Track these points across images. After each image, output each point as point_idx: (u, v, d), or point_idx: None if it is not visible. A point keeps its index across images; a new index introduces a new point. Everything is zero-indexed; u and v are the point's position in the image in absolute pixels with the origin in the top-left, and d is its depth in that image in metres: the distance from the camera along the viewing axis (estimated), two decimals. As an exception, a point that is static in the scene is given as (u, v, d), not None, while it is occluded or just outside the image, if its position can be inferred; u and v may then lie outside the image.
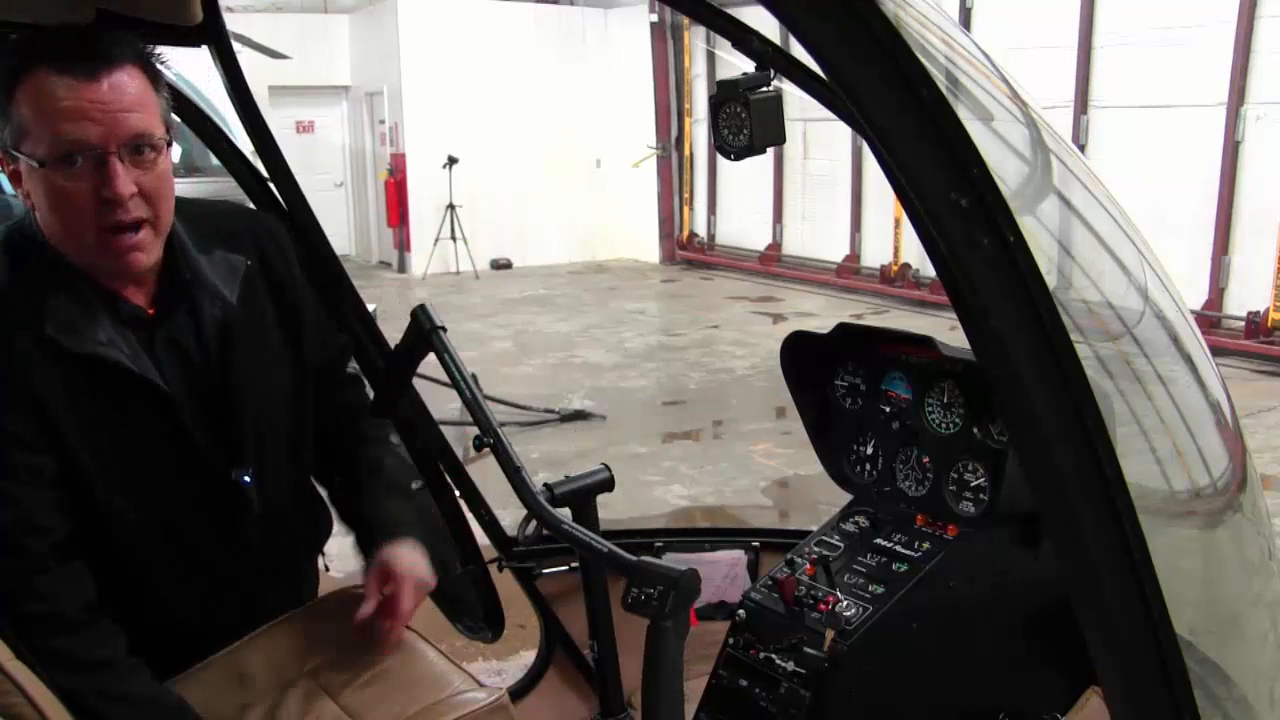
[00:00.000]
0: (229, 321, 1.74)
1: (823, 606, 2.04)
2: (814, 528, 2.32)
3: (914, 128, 0.74)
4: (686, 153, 15.57)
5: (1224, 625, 1.21)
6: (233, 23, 2.18)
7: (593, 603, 2.02)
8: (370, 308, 2.34)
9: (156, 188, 1.60)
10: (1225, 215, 9.62)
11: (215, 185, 5.98)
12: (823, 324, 2.43)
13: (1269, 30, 9.15)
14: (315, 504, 2.04)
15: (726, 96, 1.57)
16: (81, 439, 1.60)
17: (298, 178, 2.18)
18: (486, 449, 1.73)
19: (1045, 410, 0.78)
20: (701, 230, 15.72)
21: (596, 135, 15.79)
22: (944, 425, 2.19)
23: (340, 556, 2.17)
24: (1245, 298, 9.48)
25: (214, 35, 1.95)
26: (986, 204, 0.75)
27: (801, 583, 2.10)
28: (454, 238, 14.41)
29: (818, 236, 13.76)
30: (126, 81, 1.56)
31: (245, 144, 2.26)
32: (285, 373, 1.85)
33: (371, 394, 2.08)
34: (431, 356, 1.82)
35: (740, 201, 14.91)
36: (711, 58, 14.30)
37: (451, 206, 14.27)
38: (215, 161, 2.35)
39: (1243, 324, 9.38)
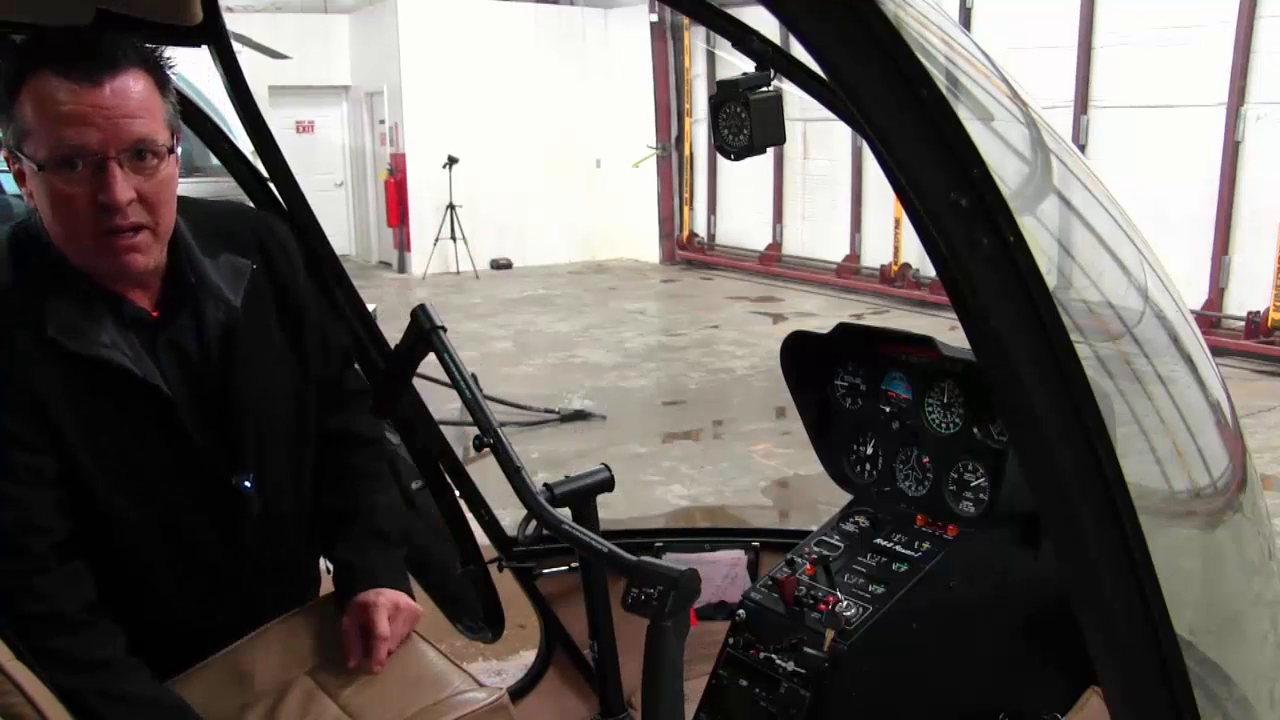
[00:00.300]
0: (232, 325, 1.74)
1: (823, 606, 2.04)
2: (814, 528, 2.32)
3: (914, 128, 0.74)
4: (686, 153, 15.57)
5: (1224, 625, 1.20)
6: (233, 23, 2.18)
7: (593, 603, 2.02)
8: (370, 308, 2.34)
9: (157, 194, 1.59)
10: (1225, 215, 9.62)
11: (215, 185, 5.99)
12: (823, 324, 2.43)
13: (1269, 30, 9.15)
14: (316, 506, 2.04)
15: (726, 96, 1.57)
16: (82, 440, 1.60)
17: (298, 178, 2.18)
18: (486, 449, 1.73)
19: (1045, 410, 0.78)
20: (701, 230, 15.72)
21: (596, 135, 15.79)
22: (944, 425, 2.19)
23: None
24: (1245, 298, 9.48)
25: (214, 35, 1.95)
26: (986, 204, 0.75)
27: (801, 583, 2.10)
28: (454, 238, 14.41)
29: (818, 236, 13.76)
30: (130, 86, 1.55)
31: (245, 144, 2.26)
32: (287, 376, 1.84)
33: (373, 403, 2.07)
34: (431, 356, 1.82)
35: (740, 201, 14.91)
36: (711, 58, 14.31)
37: (451, 206, 14.27)
38: (215, 161, 2.35)
39: (1243, 324, 9.38)
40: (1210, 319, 9.55)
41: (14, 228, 1.68)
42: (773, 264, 14.24)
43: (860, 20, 0.72)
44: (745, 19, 1.68)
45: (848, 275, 13.18)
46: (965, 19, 11.17)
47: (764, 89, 1.56)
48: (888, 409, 2.29)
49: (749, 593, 2.20)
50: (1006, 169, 0.97)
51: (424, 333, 1.79)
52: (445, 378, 1.80)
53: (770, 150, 1.70)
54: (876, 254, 12.85)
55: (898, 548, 2.13)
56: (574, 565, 2.33)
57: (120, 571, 1.68)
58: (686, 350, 10.26)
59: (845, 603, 2.04)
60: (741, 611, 2.17)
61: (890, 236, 12.43)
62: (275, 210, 2.16)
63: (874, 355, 2.32)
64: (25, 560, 1.56)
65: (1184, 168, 9.64)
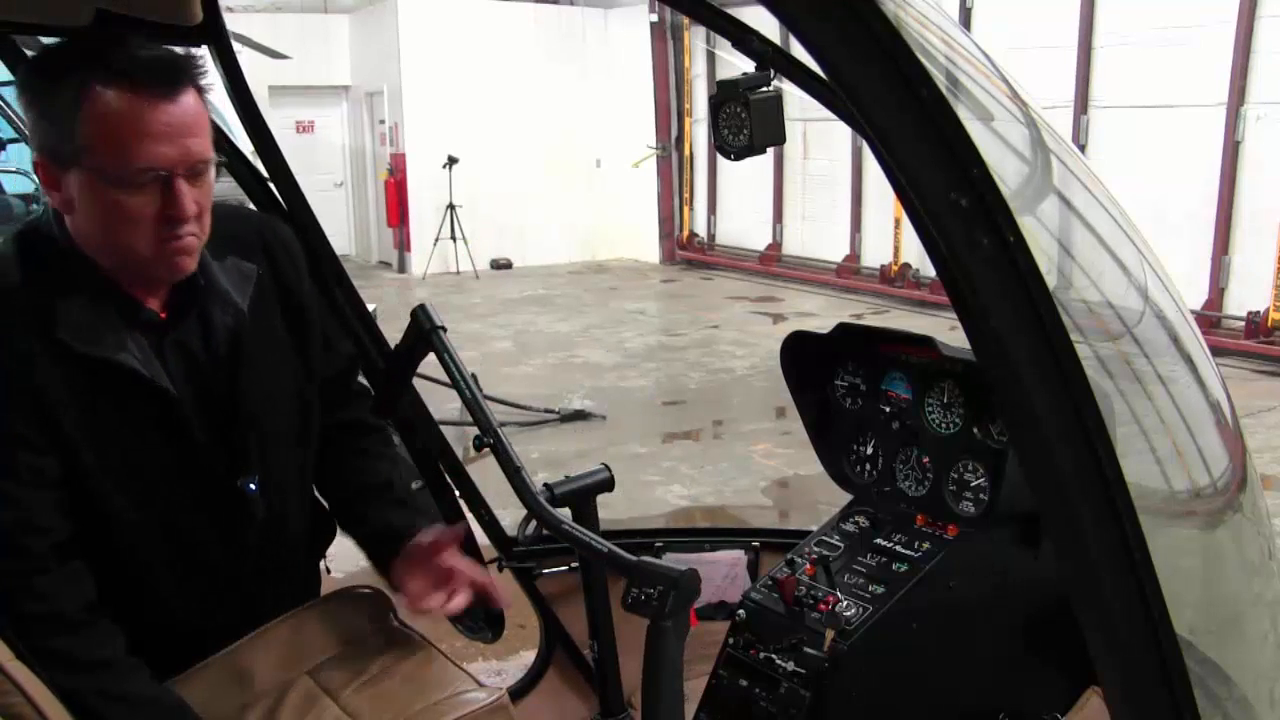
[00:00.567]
0: (239, 328, 1.74)
1: (823, 606, 2.04)
2: (814, 528, 2.32)
3: (914, 128, 0.74)
4: (686, 153, 15.57)
5: (1224, 625, 1.21)
6: (233, 23, 2.18)
7: (593, 603, 2.02)
8: (370, 308, 2.34)
9: (205, 202, 1.63)
10: (1225, 215, 9.62)
11: (215, 185, 5.98)
12: (823, 324, 2.43)
13: (1269, 30, 9.15)
14: (317, 508, 2.04)
15: (726, 96, 1.57)
16: (86, 440, 1.60)
17: (298, 178, 2.18)
18: (486, 449, 1.73)
19: (1045, 410, 0.78)
20: (701, 230, 15.72)
21: (596, 135, 15.79)
22: (944, 425, 2.20)
23: (340, 557, 2.17)
24: (1245, 298, 9.48)
25: (214, 35, 1.95)
26: (986, 204, 0.75)
27: (801, 583, 2.10)
28: (454, 238, 14.41)
29: (818, 236, 13.76)
30: (191, 103, 1.58)
31: (245, 144, 2.26)
32: (292, 380, 1.85)
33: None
34: (431, 356, 1.82)
35: (740, 201, 14.91)
36: (711, 58, 14.31)
37: (451, 206, 14.27)
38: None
39: (1243, 324, 9.38)
40: (1210, 319, 9.56)
41: (24, 228, 1.68)
42: (773, 264, 14.24)
43: (860, 20, 0.72)
44: (745, 19, 1.68)
45: (848, 275, 13.18)
46: (965, 19, 11.18)
47: (764, 89, 1.57)
48: (888, 409, 2.29)
49: (749, 593, 2.20)
50: (1006, 169, 0.97)
51: (424, 333, 1.79)
52: (445, 378, 1.80)
53: (770, 150, 1.70)
54: (876, 254, 12.85)
55: (898, 548, 2.13)
56: (574, 565, 2.33)
57: (121, 572, 1.68)
58: (686, 350, 10.26)
59: (845, 603, 2.04)
60: (741, 611, 2.17)
61: (890, 236, 12.43)
62: (275, 210, 2.16)
63: (874, 355, 2.32)
64: (26, 560, 1.56)
65: (1184, 168, 9.64)
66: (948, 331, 1.85)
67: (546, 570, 2.56)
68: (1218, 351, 7.78)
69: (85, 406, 1.59)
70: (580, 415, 7.78)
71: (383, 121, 15.51)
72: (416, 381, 2.01)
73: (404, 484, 2.07)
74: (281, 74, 12.96)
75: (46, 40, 1.82)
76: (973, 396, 2.14)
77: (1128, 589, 0.80)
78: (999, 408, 1.83)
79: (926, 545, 2.10)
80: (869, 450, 2.34)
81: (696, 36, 14.59)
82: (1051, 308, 0.77)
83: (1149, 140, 9.76)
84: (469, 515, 2.51)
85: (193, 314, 1.72)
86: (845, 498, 2.37)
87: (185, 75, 1.58)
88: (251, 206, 2.20)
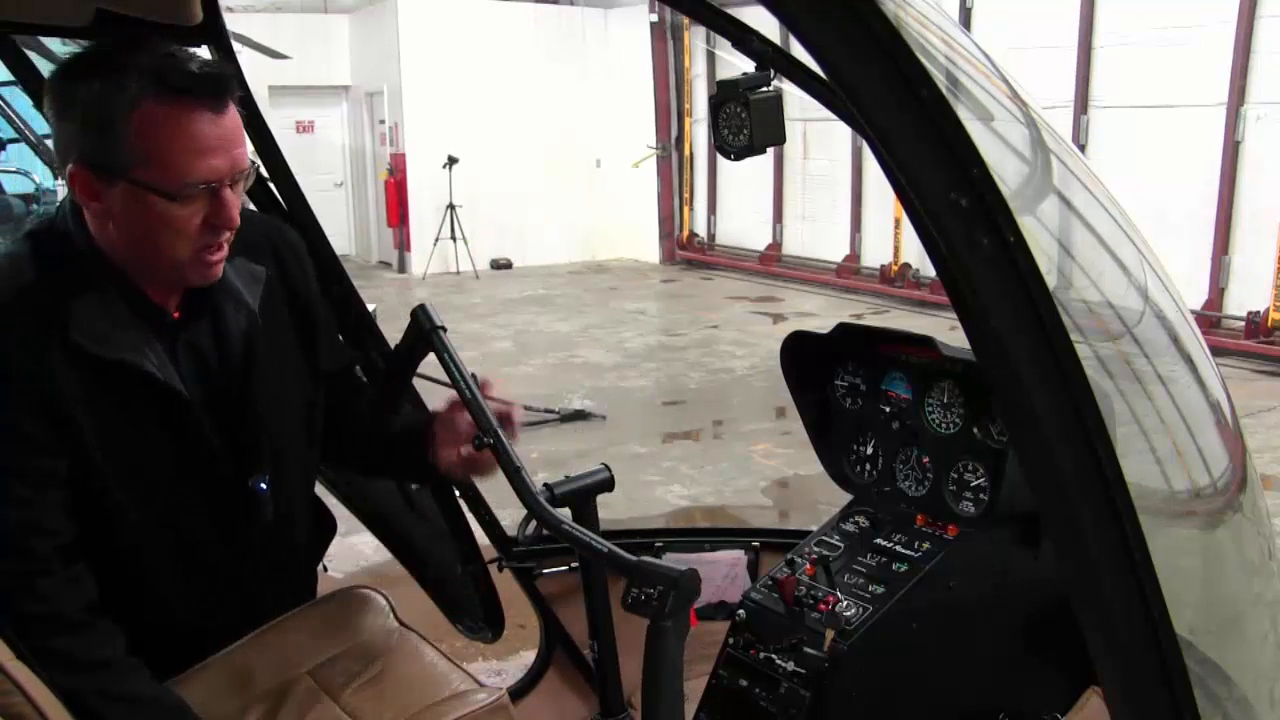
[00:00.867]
0: (251, 330, 1.75)
1: (823, 606, 2.05)
2: (814, 528, 2.32)
3: (914, 128, 0.74)
4: (686, 153, 15.57)
5: (1224, 625, 1.21)
6: (233, 23, 2.18)
7: (593, 603, 2.02)
8: (370, 308, 2.34)
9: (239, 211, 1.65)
10: (1225, 215, 9.62)
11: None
12: (823, 324, 2.43)
13: (1269, 30, 9.15)
14: (319, 508, 2.05)
15: (726, 96, 1.57)
16: (97, 442, 1.60)
17: (298, 178, 2.18)
18: (486, 449, 1.73)
19: (1045, 410, 0.78)
20: (701, 230, 15.72)
21: (596, 135, 15.79)
22: (944, 425, 2.20)
23: (340, 557, 2.18)
24: (1245, 298, 9.48)
25: (214, 35, 1.95)
26: (986, 204, 0.75)
27: (801, 583, 2.10)
28: (454, 238, 14.41)
29: (818, 236, 13.76)
30: (236, 115, 1.60)
31: (248, 149, 2.25)
32: (301, 380, 1.86)
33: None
34: (431, 356, 1.82)
35: (740, 201, 14.91)
36: (711, 58, 14.30)
37: (451, 206, 14.27)
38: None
39: (1243, 324, 9.38)
40: (1210, 319, 9.55)
41: (37, 228, 1.68)
42: (773, 264, 14.24)
43: (860, 20, 0.72)
44: (745, 19, 1.68)
45: (848, 275, 13.18)
46: (965, 19, 11.17)
47: (764, 89, 1.57)
48: (888, 409, 2.29)
49: (749, 593, 2.20)
50: (1006, 169, 0.97)
51: (424, 333, 1.79)
52: (445, 378, 1.80)
53: (770, 150, 1.70)
54: (876, 254, 12.85)
55: (898, 548, 2.13)
56: (574, 565, 2.33)
57: (125, 572, 1.68)
58: (686, 350, 10.26)
59: (845, 603, 2.05)
60: (741, 611, 2.17)
61: (890, 236, 12.43)
62: (275, 210, 2.16)
63: (874, 355, 2.32)
64: (30, 562, 1.56)
65: (1184, 168, 9.64)
66: (948, 331, 1.85)
67: (546, 570, 2.56)
68: (1218, 351, 7.78)
69: (97, 408, 1.59)
70: (580, 415, 7.78)
71: (383, 121, 15.51)
72: (416, 381, 2.01)
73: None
74: (281, 74, 12.94)
75: (49, 42, 1.81)
76: (973, 396, 2.14)
77: (1128, 589, 0.80)
78: (999, 408, 1.83)
79: (926, 545, 2.10)
80: (869, 450, 2.34)
81: (696, 36, 14.58)
82: (1051, 308, 0.77)
83: (1149, 140, 9.76)
84: (469, 515, 2.52)
85: (205, 314, 1.72)
86: (845, 498, 2.37)
87: (232, 87, 1.59)
88: (252, 207, 2.20)
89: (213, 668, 1.79)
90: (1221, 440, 1.33)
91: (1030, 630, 2.09)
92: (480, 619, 2.61)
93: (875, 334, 2.35)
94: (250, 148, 1.68)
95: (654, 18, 14.94)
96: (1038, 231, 0.91)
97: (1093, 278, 1.14)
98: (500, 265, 15.44)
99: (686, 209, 15.75)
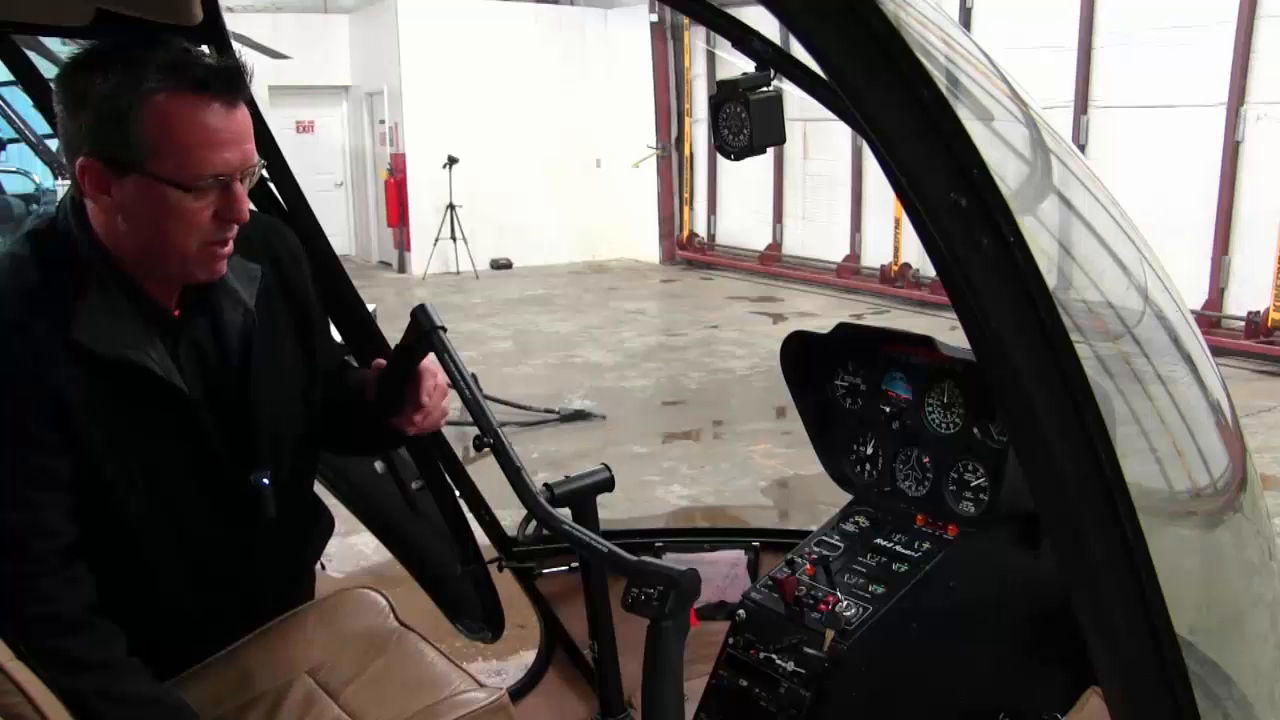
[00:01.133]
0: (249, 328, 1.75)
1: (823, 606, 2.05)
2: (814, 528, 2.32)
3: (914, 128, 0.74)
4: (686, 153, 15.57)
5: (1224, 625, 1.21)
6: (233, 23, 2.18)
7: (593, 603, 2.02)
8: (370, 308, 2.34)
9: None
10: (1225, 215, 9.62)
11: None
12: (823, 324, 2.43)
13: (1269, 30, 9.15)
14: (318, 505, 2.05)
15: (726, 96, 1.57)
16: (100, 441, 1.60)
17: (298, 178, 2.18)
18: (486, 449, 1.74)
19: (1045, 410, 0.78)
20: (701, 230, 15.72)
21: (596, 135, 15.79)
22: (944, 425, 2.20)
23: (340, 557, 2.18)
24: (1245, 298, 9.48)
25: (214, 35, 1.95)
26: (986, 204, 0.75)
27: (801, 583, 2.10)
28: (454, 238, 14.41)
29: (818, 236, 13.76)
30: (246, 111, 1.61)
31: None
32: (299, 377, 1.86)
33: None
34: (431, 355, 1.82)
35: (740, 201, 14.90)
36: (711, 58, 14.30)
37: (451, 206, 14.27)
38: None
39: (1243, 324, 9.38)
40: (1210, 319, 9.55)
41: (38, 228, 1.68)
42: (773, 264, 14.24)
43: (860, 20, 0.72)
44: (745, 19, 1.68)
45: (848, 275, 13.18)
46: (965, 19, 11.17)
47: (764, 89, 1.57)
48: (888, 409, 2.29)
49: (749, 593, 2.20)
50: (1006, 169, 0.97)
51: (424, 333, 1.79)
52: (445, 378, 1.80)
53: (770, 150, 1.70)
54: (876, 254, 12.85)
55: (898, 548, 2.13)
56: (574, 565, 2.33)
57: (126, 572, 1.68)
58: (686, 350, 10.26)
59: (845, 603, 2.05)
60: (741, 611, 2.17)
61: (890, 236, 12.43)
62: (275, 210, 2.16)
63: (874, 355, 2.32)
64: (31, 562, 1.56)
65: (1184, 168, 9.64)
66: (948, 331, 1.85)
67: (546, 570, 2.56)
68: (1218, 351, 7.77)
69: (100, 406, 1.59)
70: (580, 415, 7.78)
71: (383, 121, 15.51)
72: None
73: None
74: (281, 74, 12.94)
75: (51, 42, 1.81)
76: (973, 396, 2.14)
77: (1128, 589, 0.80)
78: (999, 408, 1.83)
79: (927, 545, 2.10)
80: (869, 450, 2.34)
81: (696, 36, 14.58)
82: (1051, 308, 0.77)
83: (1149, 140, 9.76)
84: (469, 515, 2.52)
85: (204, 313, 1.72)
86: (845, 498, 2.37)
87: (246, 83, 1.61)
88: (251, 206, 2.20)
89: (213, 668, 1.79)
90: (1221, 440, 1.33)
91: (1030, 630, 2.09)
92: (480, 619, 2.61)
93: (875, 334, 2.35)
94: None
95: (654, 18, 14.94)
96: (1038, 231, 0.91)
97: (1093, 278, 1.14)
98: (500, 265, 15.44)
99: (686, 209, 15.75)
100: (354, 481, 2.61)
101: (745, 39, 1.63)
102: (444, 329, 1.80)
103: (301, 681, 1.82)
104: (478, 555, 2.52)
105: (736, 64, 1.68)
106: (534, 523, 1.78)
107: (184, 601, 1.75)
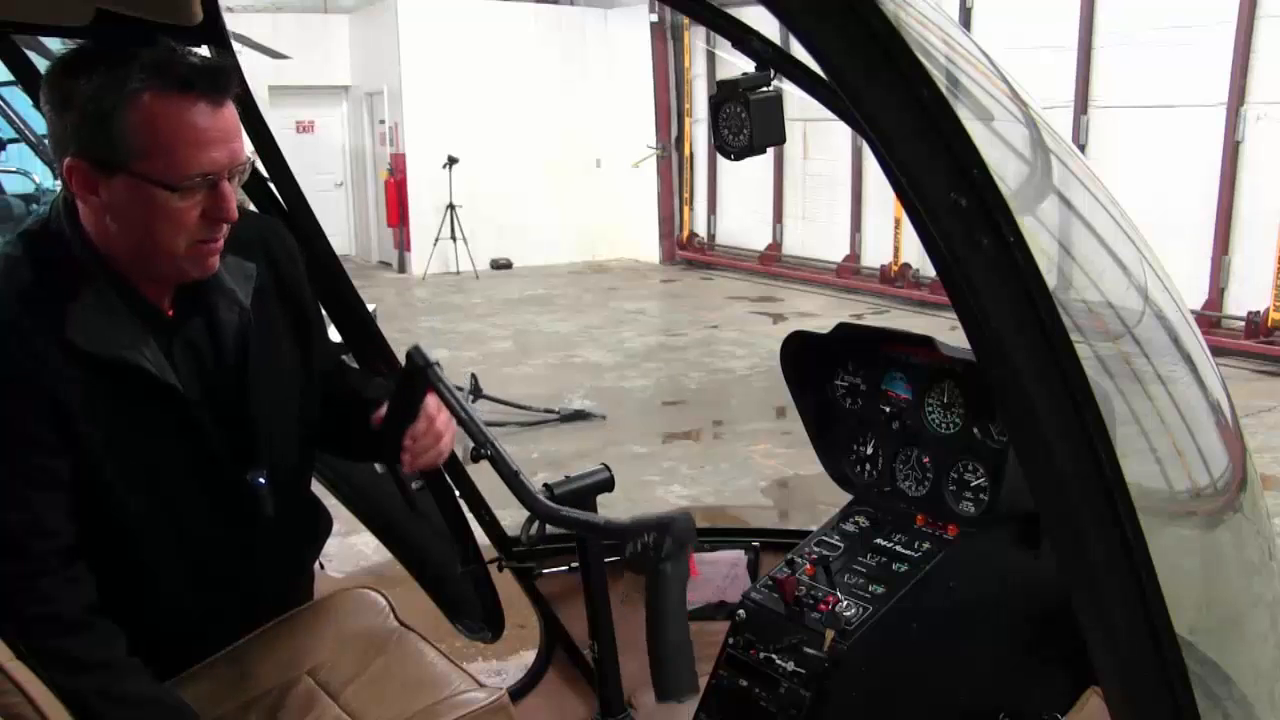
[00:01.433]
0: (244, 327, 1.75)
1: (823, 606, 2.05)
2: (814, 528, 2.32)
3: (914, 128, 0.74)
4: (686, 153, 15.57)
5: (1224, 625, 1.21)
6: (233, 23, 2.18)
7: (593, 603, 2.02)
8: (370, 308, 2.34)
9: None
10: (1225, 215, 9.62)
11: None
12: (823, 324, 2.43)
13: (1269, 30, 9.15)
14: (316, 504, 2.05)
15: (726, 96, 1.57)
16: (98, 441, 1.60)
17: (298, 178, 2.18)
18: (484, 460, 1.75)
19: (1045, 410, 0.78)
20: (701, 230, 15.72)
21: (596, 135, 15.79)
22: (944, 425, 2.20)
23: (340, 557, 2.18)
24: (1245, 298, 9.48)
25: (214, 35, 1.95)
26: (986, 204, 0.75)
27: (801, 583, 2.10)
28: (454, 238, 14.41)
29: (818, 236, 13.76)
30: (233, 109, 1.61)
31: (245, 144, 2.25)
32: (296, 376, 1.86)
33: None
34: (432, 399, 1.83)
35: (740, 201, 14.90)
36: (711, 58, 14.30)
37: (451, 206, 14.27)
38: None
39: (1243, 324, 9.38)
40: (1210, 319, 9.55)
41: (30, 229, 1.68)
42: (773, 264, 14.24)
43: (860, 20, 0.72)
44: (745, 19, 1.68)
45: (848, 275, 13.18)
46: (965, 19, 11.17)
47: (764, 89, 1.57)
48: (888, 409, 2.29)
49: (749, 593, 2.20)
50: (1006, 169, 0.97)
51: (419, 369, 1.79)
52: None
53: (770, 150, 1.70)
54: (876, 254, 12.85)
55: (898, 548, 2.13)
56: (574, 565, 2.33)
57: (126, 572, 1.68)
58: (686, 350, 10.25)
59: (845, 603, 2.05)
60: (741, 611, 2.17)
61: (890, 236, 12.43)
62: (275, 210, 2.16)
63: (874, 355, 2.32)
64: (30, 562, 1.56)
65: (1184, 168, 9.64)
66: (948, 331, 1.85)
67: (546, 570, 2.56)
68: (1218, 351, 7.77)
69: (97, 407, 1.59)
70: (580, 415, 7.77)
71: (383, 121, 15.51)
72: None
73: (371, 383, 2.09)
74: (281, 74, 12.94)
75: (51, 42, 1.82)
76: (973, 396, 2.14)
77: (1128, 589, 0.80)
78: (999, 408, 1.83)
79: (927, 545, 2.10)
80: (869, 450, 2.34)
81: (696, 36, 14.58)
82: (1051, 308, 0.77)
83: (1149, 140, 9.76)
84: (469, 515, 2.52)
85: (199, 313, 1.72)
86: (845, 498, 2.37)
87: (231, 81, 1.60)
88: (252, 207, 2.20)
89: (213, 668, 1.79)
90: (1221, 440, 1.33)
91: (1030, 630, 2.09)
92: (480, 619, 2.61)
93: (875, 334, 2.35)
94: (248, 144, 1.68)
95: (654, 18, 14.94)
96: (1038, 231, 0.91)
97: (1093, 278, 1.14)
98: (500, 265, 15.44)
99: (686, 209, 15.75)
100: (354, 482, 2.61)
101: (745, 39, 1.63)
102: (438, 365, 1.81)
103: (301, 681, 1.82)
104: (478, 555, 2.52)
105: (736, 64, 1.68)
106: (537, 525, 1.78)
107: (184, 601, 1.75)
